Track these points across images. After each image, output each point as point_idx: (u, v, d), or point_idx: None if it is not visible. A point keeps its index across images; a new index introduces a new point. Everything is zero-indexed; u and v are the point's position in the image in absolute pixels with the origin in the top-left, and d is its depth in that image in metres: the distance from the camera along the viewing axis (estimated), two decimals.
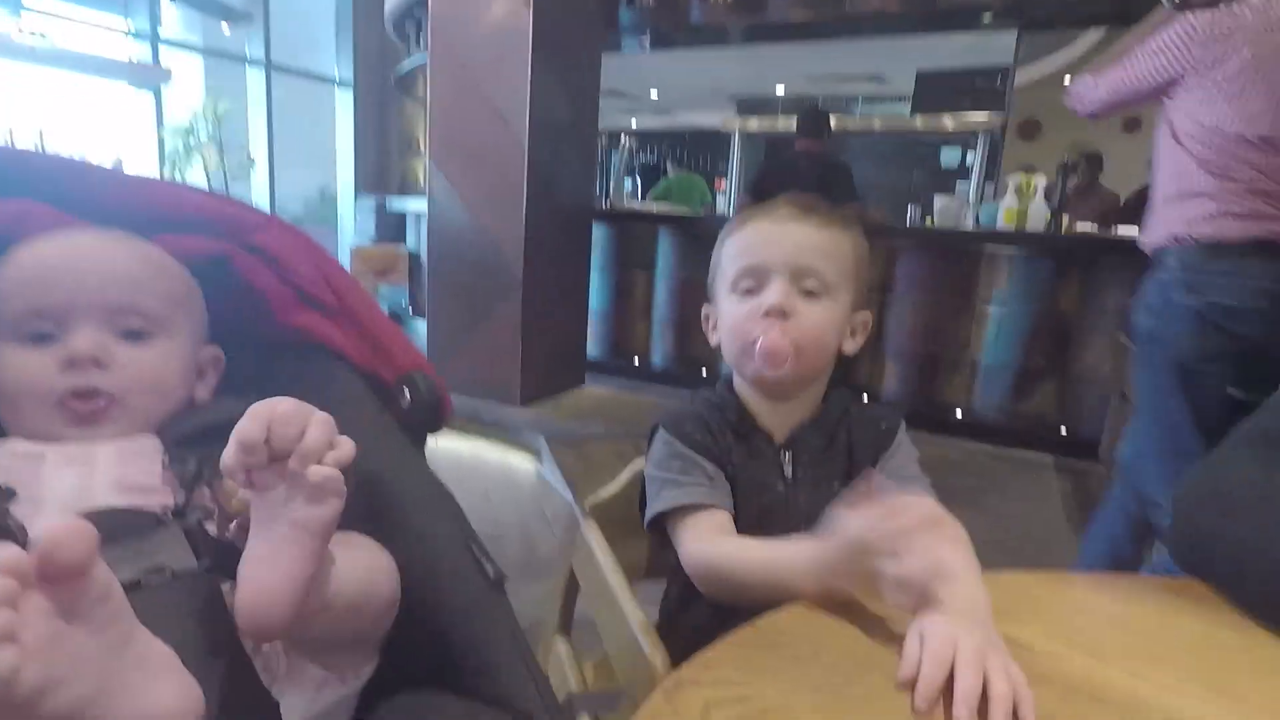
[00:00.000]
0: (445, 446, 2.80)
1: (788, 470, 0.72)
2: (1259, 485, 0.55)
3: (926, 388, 3.56)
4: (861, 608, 0.50)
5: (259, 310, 0.56)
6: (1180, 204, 1.48)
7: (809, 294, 0.69)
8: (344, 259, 6.63)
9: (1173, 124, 1.51)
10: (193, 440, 0.49)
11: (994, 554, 2.01)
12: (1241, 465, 0.59)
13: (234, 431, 0.37)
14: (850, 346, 0.74)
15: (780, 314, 0.68)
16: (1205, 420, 1.54)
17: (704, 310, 0.78)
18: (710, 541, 0.66)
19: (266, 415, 0.37)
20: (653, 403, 3.62)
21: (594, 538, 0.75)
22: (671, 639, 0.75)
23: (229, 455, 0.37)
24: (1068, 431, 3.30)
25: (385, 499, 0.50)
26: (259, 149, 6.24)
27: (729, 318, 0.72)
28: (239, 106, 6.03)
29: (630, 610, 0.61)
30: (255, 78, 6.25)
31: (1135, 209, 3.22)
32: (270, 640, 0.42)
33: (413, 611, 0.47)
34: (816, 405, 0.75)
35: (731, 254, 0.73)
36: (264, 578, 0.37)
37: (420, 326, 3.80)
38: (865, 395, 3.29)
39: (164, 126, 5.43)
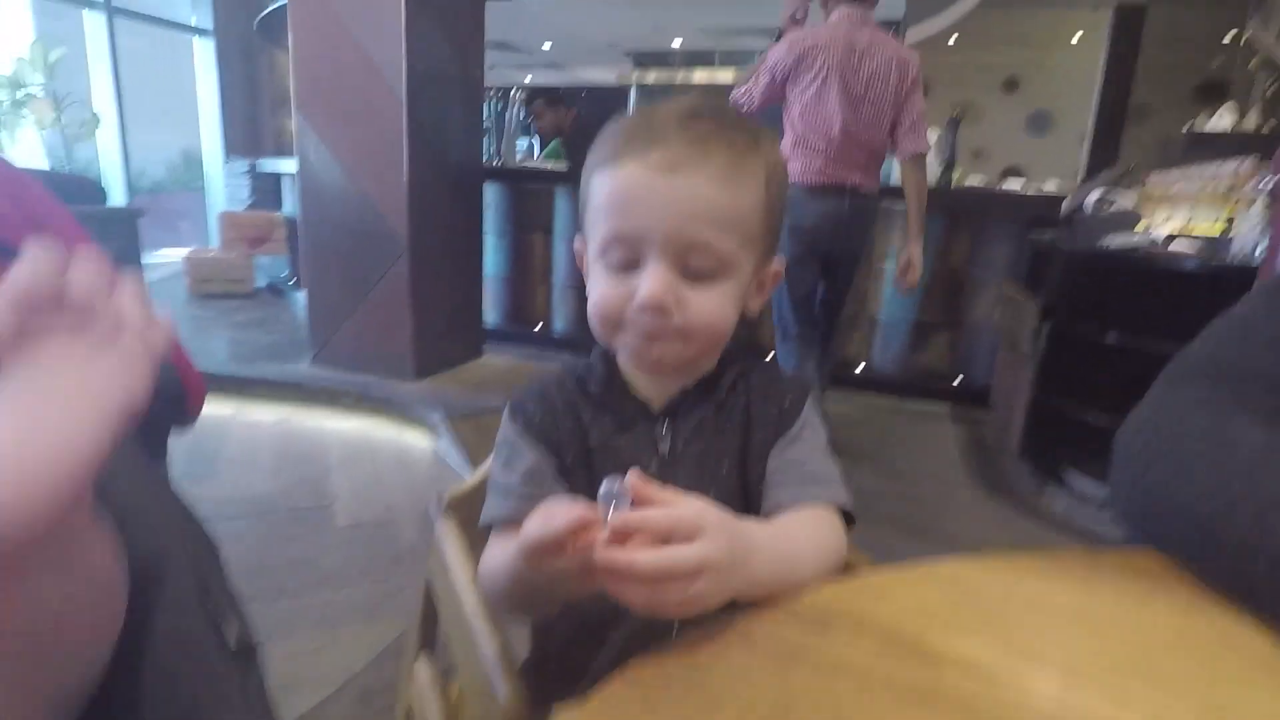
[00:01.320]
0: (333, 428, 2.57)
1: (664, 445, 0.59)
2: (1213, 439, 0.49)
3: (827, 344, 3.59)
4: (768, 643, 0.39)
5: None
6: (794, 161, 2.30)
7: (697, 275, 0.53)
8: (212, 228, 6.08)
9: (790, 107, 2.33)
10: None
11: (896, 504, 2.01)
12: (1190, 412, 0.53)
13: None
14: (756, 305, 0.60)
15: (658, 311, 0.52)
16: (803, 307, 2.45)
17: (576, 243, 0.61)
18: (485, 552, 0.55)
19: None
20: (556, 370, 3.48)
21: (448, 541, 0.62)
22: (543, 666, 0.65)
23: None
24: (962, 381, 3.41)
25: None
26: (105, 105, 5.55)
27: (595, 290, 0.56)
28: (77, 55, 5.32)
29: (482, 633, 0.49)
30: (95, 22, 5.53)
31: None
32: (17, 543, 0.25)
33: (118, 686, 0.32)
34: (708, 369, 0.61)
35: (599, 204, 0.55)
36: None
37: (301, 299, 3.49)
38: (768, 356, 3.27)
39: None
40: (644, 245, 0.53)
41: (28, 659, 0.28)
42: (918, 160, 2.38)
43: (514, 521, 0.53)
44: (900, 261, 2.45)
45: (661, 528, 0.40)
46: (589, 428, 0.59)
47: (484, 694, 0.47)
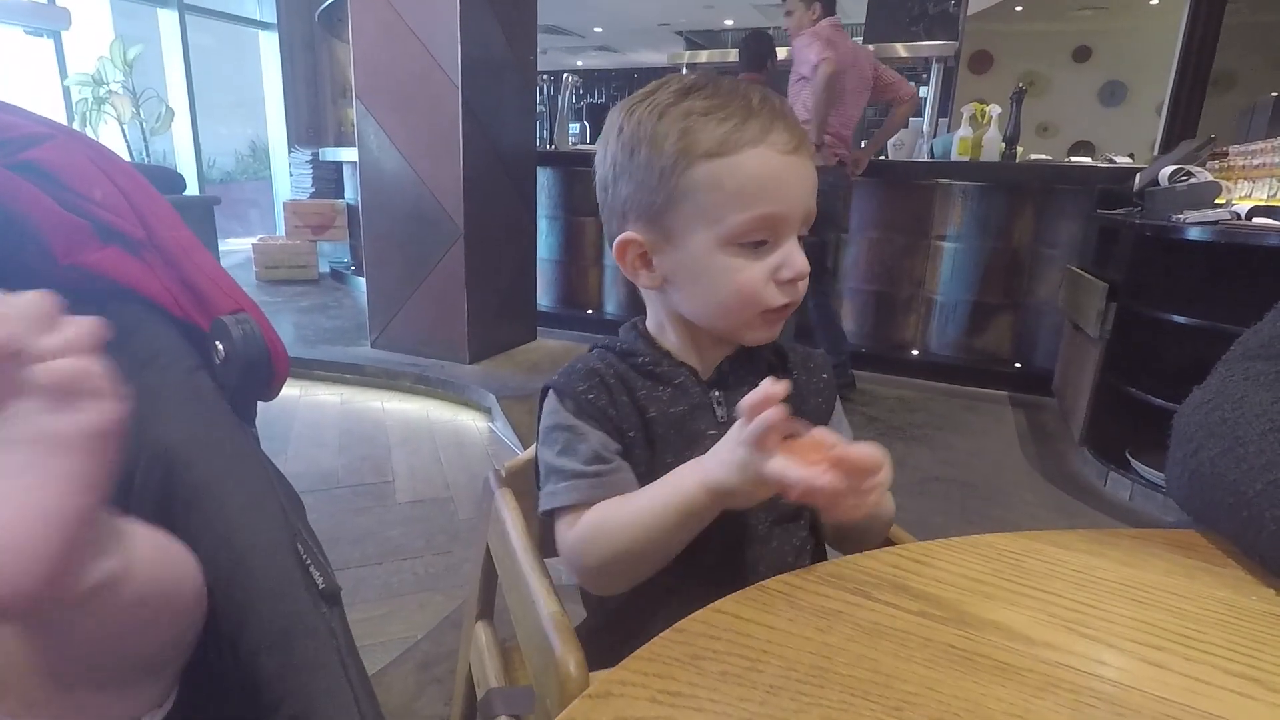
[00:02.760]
0: (392, 409, 2.65)
1: (720, 411, 0.61)
2: (1266, 418, 0.48)
3: (882, 327, 3.53)
4: (811, 602, 0.41)
5: (31, 247, 0.43)
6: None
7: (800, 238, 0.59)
8: (279, 216, 6.32)
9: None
10: None
11: (952, 491, 1.97)
12: (1248, 391, 0.52)
13: None
14: None
15: (800, 281, 0.58)
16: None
17: (625, 237, 0.60)
18: (589, 519, 0.56)
19: None
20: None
21: (506, 508, 0.65)
22: (599, 632, 0.67)
23: None
24: (1022, 366, 3.31)
25: (188, 486, 0.38)
26: (178, 99, 5.81)
27: (735, 279, 0.56)
28: (152, 52, 5.59)
29: (542, 597, 0.52)
30: (168, 20, 5.78)
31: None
32: (14, 618, 0.28)
33: (217, 630, 0.36)
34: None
35: (728, 192, 0.55)
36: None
37: (362, 284, 3.61)
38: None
39: (68, 75, 4.99)
40: (784, 224, 0.56)
41: (141, 626, 0.32)
42: None
43: (584, 505, 0.56)
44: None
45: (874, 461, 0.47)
46: (645, 401, 0.60)
47: (541, 652, 0.50)
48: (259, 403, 0.52)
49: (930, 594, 0.42)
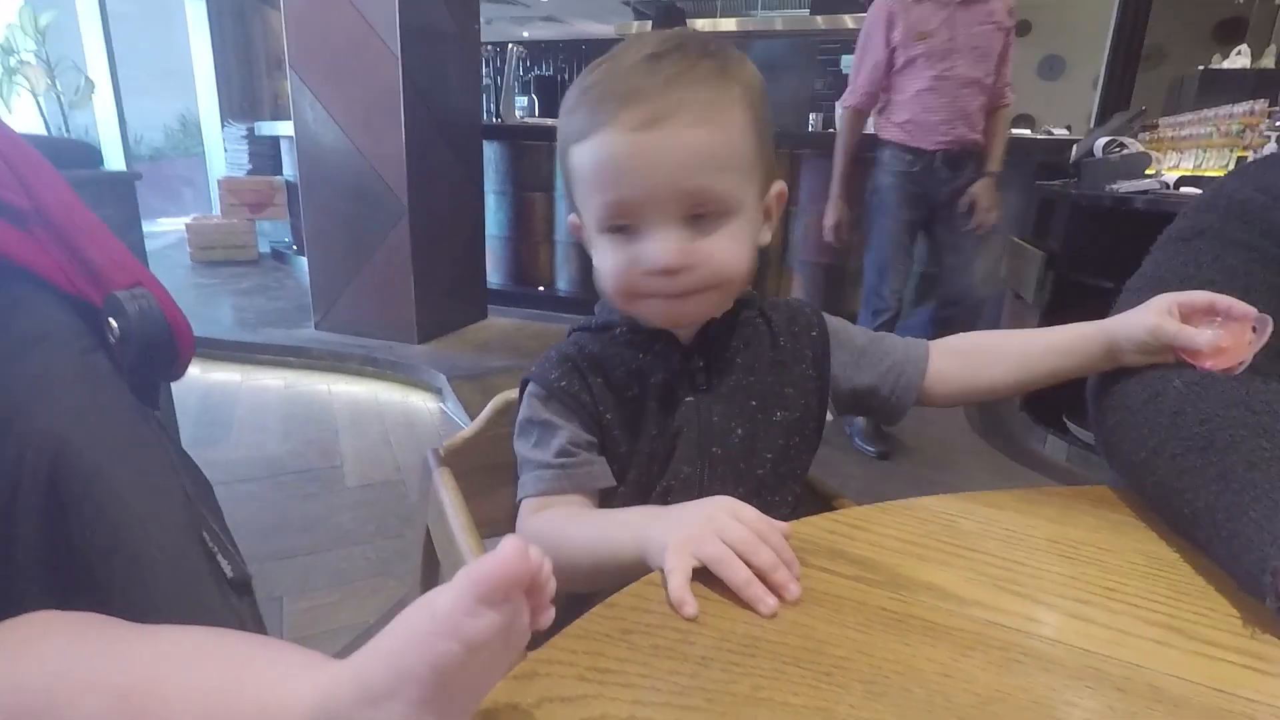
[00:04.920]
0: (339, 391, 2.58)
1: (700, 378, 0.59)
2: (1145, 387, 0.51)
3: (832, 299, 3.58)
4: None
5: None
6: None
7: (705, 223, 0.52)
8: (214, 194, 6.05)
9: None
10: None
11: (899, 457, 2.01)
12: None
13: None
14: (765, 236, 0.58)
15: (671, 273, 0.51)
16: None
17: (570, 219, 0.59)
18: (541, 519, 0.54)
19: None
20: (561, 332, 3.50)
21: (445, 488, 0.63)
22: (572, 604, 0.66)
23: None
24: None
25: (80, 474, 0.35)
26: (99, 71, 5.48)
27: (605, 262, 0.54)
28: (68, 19, 5.24)
29: None
30: None
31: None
32: None
33: (117, 614, 0.33)
34: (728, 302, 0.60)
35: (585, 177, 0.53)
36: None
37: (304, 264, 3.49)
38: None
39: None
40: (643, 209, 0.51)
41: None
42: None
43: (550, 494, 0.55)
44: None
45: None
46: (623, 377, 0.59)
47: None
48: (203, 389, 0.48)
49: (865, 558, 0.42)
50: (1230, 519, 0.39)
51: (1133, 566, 0.42)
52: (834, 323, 0.65)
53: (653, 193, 0.50)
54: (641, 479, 0.59)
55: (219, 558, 0.37)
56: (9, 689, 0.28)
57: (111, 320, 0.41)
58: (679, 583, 0.38)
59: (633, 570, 0.43)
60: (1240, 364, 0.49)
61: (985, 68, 2.17)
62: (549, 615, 0.30)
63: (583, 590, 0.52)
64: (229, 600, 0.37)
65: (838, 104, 3.29)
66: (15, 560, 0.35)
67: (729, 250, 0.53)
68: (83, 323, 0.42)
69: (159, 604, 0.34)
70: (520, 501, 0.56)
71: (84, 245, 0.42)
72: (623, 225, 0.52)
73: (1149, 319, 0.53)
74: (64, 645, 0.29)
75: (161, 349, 0.42)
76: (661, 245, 0.51)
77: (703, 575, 0.39)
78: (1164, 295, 0.54)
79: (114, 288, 0.42)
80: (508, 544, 0.26)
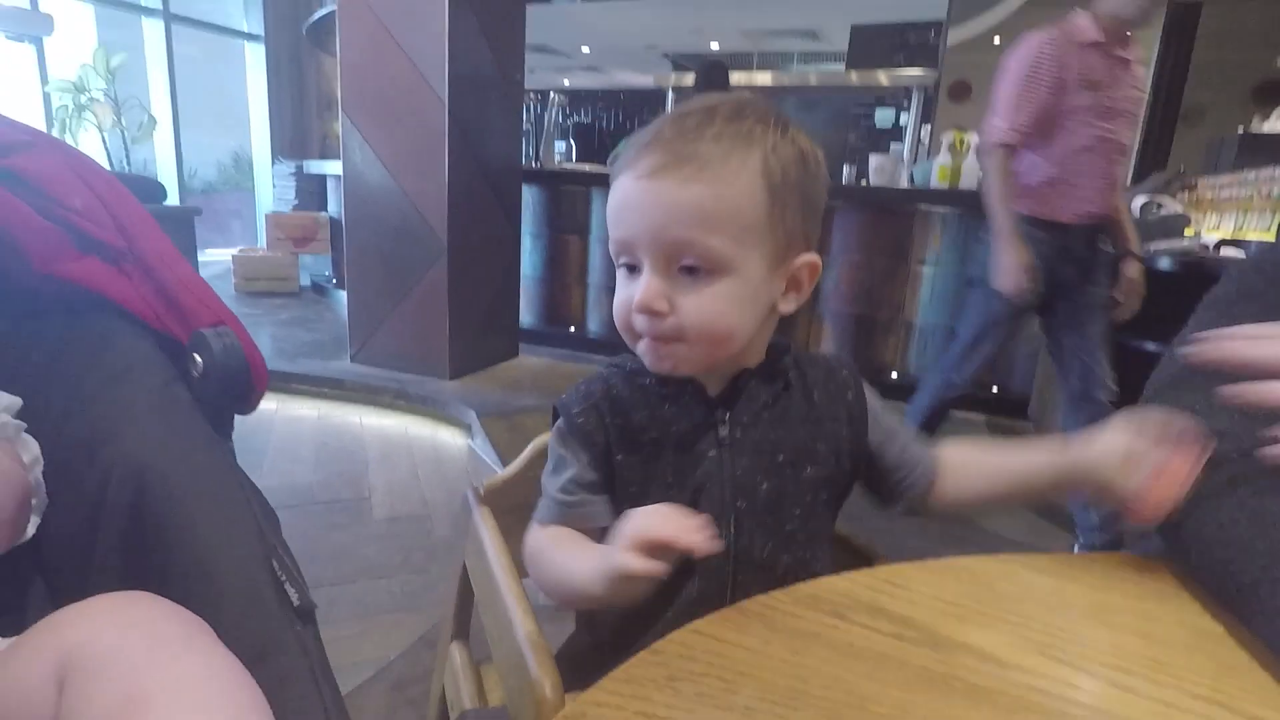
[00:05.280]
0: (371, 424, 2.62)
1: (724, 430, 0.59)
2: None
3: (862, 350, 3.57)
4: (787, 624, 0.41)
5: (7, 255, 0.42)
6: None
7: (693, 276, 0.54)
8: (260, 228, 6.27)
9: None
10: None
11: (932, 516, 1.96)
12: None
13: None
14: (788, 305, 0.59)
15: (647, 313, 0.54)
16: None
17: None
18: (534, 537, 0.59)
19: None
20: (591, 372, 3.53)
21: (485, 527, 0.65)
22: (588, 650, 0.67)
23: None
24: (998, 390, 3.36)
25: (160, 501, 0.38)
26: (161, 109, 5.77)
27: (616, 298, 0.58)
28: (136, 60, 5.55)
29: (519, 616, 0.52)
30: (153, 29, 5.75)
31: None
32: None
33: None
34: (758, 356, 0.61)
35: (608, 214, 0.58)
36: None
37: (343, 298, 3.59)
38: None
39: (49, 82, 4.94)
40: (635, 249, 0.55)
41: None
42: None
43: (548, 523, 0.58)
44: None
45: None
46: (644, 422, 0.60)
47: (517, 673, 0.49)
48: (236, 416, 0.51)
49: (905, 616, 0.42)
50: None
51: (1177, 638, 0.42)
52: (869, 391, 0.66)
53: (643, 237, 0.54)
54: None
55: (286, 585, 0.39)
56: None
57: (196, 355, 0.44)
58: (626, 554, 0.44)
59: (596, 589, 0.49)
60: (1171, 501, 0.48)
61: (1132, 136, 1.91)
62: None
63: (570, 605, 0.57)
64: (293, 626, 0.38)
65: (973, 140, 3.12)
66: (91, 580, 0.37)
67: (709, 309, 0.54)
68: (165, 356, 0.45)
69: (227, 626, 0.36)
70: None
71: (171, 283, 0.45)
72: (630, 264, 0.56)
73: (1121, 441, 0.52)
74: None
75: (240, 384, 0.45)
76: (645, 284, 0.54)
77: (744, 626, 0.40)
78: (1124, 418, 0.53)
79: (198, 324, 0.45)
80: None
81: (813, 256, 0.59)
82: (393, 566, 1.81)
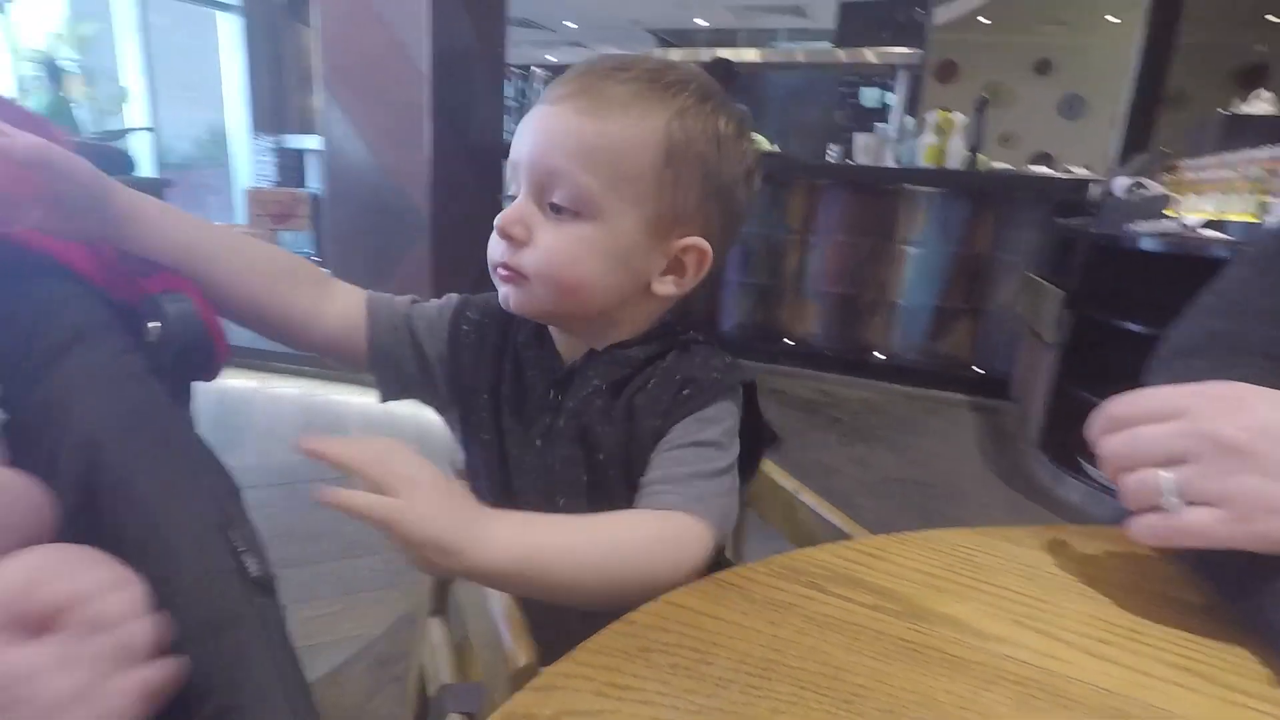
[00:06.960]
0: (354, 402, 2.60)
1: (548, 416, 0.57)
2: None
3: (848, 330, 3.57)
4: (764, 595, 0.41)
5: None
6: None
7: (558, 212, 0.51)
8: (239, 204, 6.15)
9: None
10: None
11: (911, 491, 2.00)
12: None
13: None
14: (665, 287, 0.54)
15: (503, 236, 0.52)
16: None
17: None
18: None
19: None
20: None
21: None
22: (551, 622, 0.66)
23: None
24: (981, 370, 3.38)
25: (112, 471, 0.36)
26: (134, 81, 5.61)
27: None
28: (106, 30, 5.38)
29: (491, 590, 0.51)
30: None
31: None
32: None
33: None
34: (619, 336, 0.57)
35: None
36: None
37: None
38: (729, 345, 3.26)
39: (17, 51, 4.78)
40: (519, 176, 0.52)
41: None
42: None
43: None
44: None
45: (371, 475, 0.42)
46: (513, 369, 0.58)
47: (491, 647, 0.49)
48: (219, 396, 0.49)
49: (883, 588, 0.42)
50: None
51: (1154, 608, 0.42)
52: (698, 423, 0.53)
53: (524, 159, 0.52)
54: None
55: (245, 556, 0.38)
56: None
57: (151, 322, 0.42)
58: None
59: None
60: None
61: None
62: None
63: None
64: (251, 598, 0.37)
65: (958, 120, 3.14)
66: None
67: (562, 249, 0.51)
68: (119, 322, 0.43)
69: (185, 597, 0.34)
70: None
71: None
72: (514, 192, 0.53)
73: None
74: None
75: (199, 351, 0.43)
76: (511, 207, 0.52)
77: (720, 598, 0.39)
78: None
79: (152, 290, 0.44)
80: None
81: (703, 243, 0.54)
82: (375, 544, 1.80)
